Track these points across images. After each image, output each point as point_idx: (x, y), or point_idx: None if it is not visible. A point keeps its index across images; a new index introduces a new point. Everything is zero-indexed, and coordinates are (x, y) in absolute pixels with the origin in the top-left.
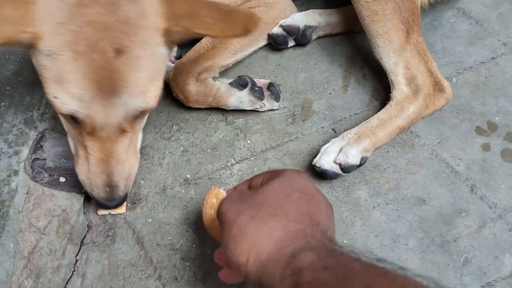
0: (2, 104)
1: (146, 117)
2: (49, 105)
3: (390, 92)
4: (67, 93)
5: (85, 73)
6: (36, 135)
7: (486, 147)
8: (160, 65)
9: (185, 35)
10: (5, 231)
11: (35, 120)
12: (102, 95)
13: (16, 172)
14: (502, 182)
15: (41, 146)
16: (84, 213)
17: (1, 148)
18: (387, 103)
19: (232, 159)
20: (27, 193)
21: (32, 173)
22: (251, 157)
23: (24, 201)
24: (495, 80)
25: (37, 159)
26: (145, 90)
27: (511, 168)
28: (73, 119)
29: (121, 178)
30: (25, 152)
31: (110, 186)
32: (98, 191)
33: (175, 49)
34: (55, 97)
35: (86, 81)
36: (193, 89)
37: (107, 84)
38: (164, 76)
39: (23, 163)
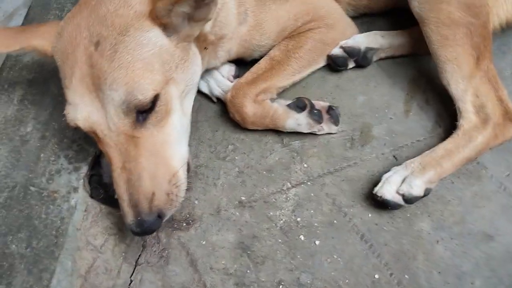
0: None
1: (166, 118)
2: None
3: (455, 120)
4: (67, 101)
5: (72, 73)
6: (95, 151)
7: None
8: (151, 52)
9: (176, 13)
10: (63, 249)
11: None
12: (89, 93)
13: (75, 189)
14: None
15: (99, 162)
16: None
17: (62, 164)
18: (451, 131)
19: (288, 183)
20: (85, 211)
21: (90, 189)
22: (307, 182)
23: (82, 218)
24: None
25: (94, 175)
26: (132, 81)
27: None
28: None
29: (141, 195)
30: (84, 168)
31: (133, 205)
32: (125, 213)
33: (234, 68)
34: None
35: (74, 82)
36: (250, 110)
37: (91, 80)
38: (169, 66)
39: (82, 180)
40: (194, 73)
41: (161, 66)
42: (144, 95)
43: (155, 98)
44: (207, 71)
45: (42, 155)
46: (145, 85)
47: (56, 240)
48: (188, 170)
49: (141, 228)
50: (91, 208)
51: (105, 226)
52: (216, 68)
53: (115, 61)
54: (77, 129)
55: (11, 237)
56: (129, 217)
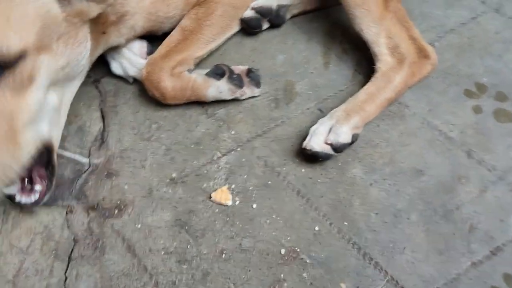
0: None
1: (27, 87)
2: None
3: (373, 65)
4: None
5: None
6: None
7: (477, 110)
8: (36, 10)
9: None
10: None
11: None
12: None
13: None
14: (499, 143)
15: None
16: (68, 226)
17: None
18: (371, 76)
19: (218, 152)
20: (3, 213)
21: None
22: (237, 148)
23: (1, 221)
24: (478, 40)
25: None
26: (1, 29)
27: (505, 128)
28: None
29: None
30: None
31: None
32: None
33: (145, 44)
34: None
35: None
36: (168, 85)
37: None
38: (49, 33)
39: None
40: (79, 54)
41: (40, 29)
42: (8, 48)
43: (20, 58)
44: (114, 50)
45: None
46: (14, 38)
47: None
48: (49, 163)
49: None
50: (10, 210)
51: (29, 227)
52: (122, 46)
53: None
54: None
55: None
56: None
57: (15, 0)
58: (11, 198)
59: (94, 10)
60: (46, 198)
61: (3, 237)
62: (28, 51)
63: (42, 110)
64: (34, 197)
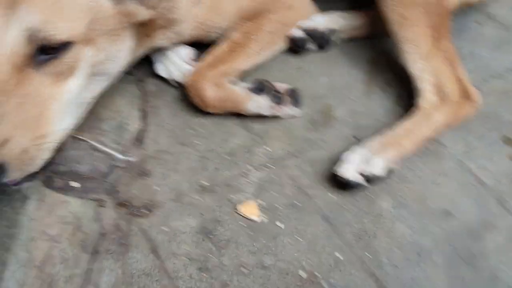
0: None
1: (66, 77)
2: None
3: (414, 99)
4: None
5: None
6: None
7: None
8: (88, 2)
9: None
10: (17, 239)
11: None
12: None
13: (28, 178)
14: None
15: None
16: (98, 220)
17: None
18: (411, 111)
19: (250, 166)
20: (39, 200)
21: (44, 177)
22: (269, 164)
23: (37, 208)
24: None
25: (50, 162)
26: (53, 14)
27: None
28: None
29: None
30: None
31: None
32: None
33: (193, 52)
34: None
35: None
36: (211, 94)
37: None
38: (97, 27)
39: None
40: (119, 51)
41: (90, 22)
42: (56, 33)
43: (66, 46)
44: (160, 52)
45: None
46: (64, 26)
47: (10, 231)
48: None
49: None
50: (45, 198)
51: (62, 215)
52: (166, 48)
53: None
54: None
55: None
56: None
57: None
58: None
59: (143, 14)
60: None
61: (37, 223)
62: (75, 41)
63: (74, 102)
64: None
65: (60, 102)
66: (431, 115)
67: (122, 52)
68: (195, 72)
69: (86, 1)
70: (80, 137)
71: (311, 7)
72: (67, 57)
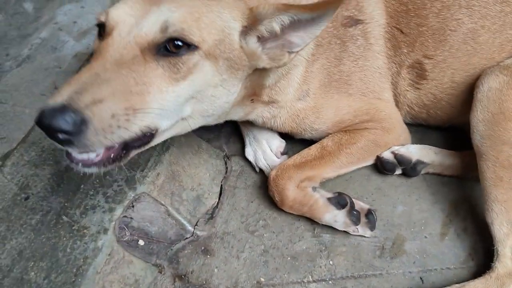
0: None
1: (180, 77)
2: (151, 168)
3: (490, 257)
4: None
5: None
6: (133, 197)
7: None
8: (224, 22)
9: (267, 23)
10: None
11: (136, 180)
12: (144, 3)
13: (105, 230)
14: None
15: (133, 206)
16: (155, 287)
17: (98, 201)
18: (483, 268)
19: (310, 276)
20: (109, 254)
21: (118, 228)
22: (329, 280)
23: (105, 262)
24: None
25: (125, 216)
26: (192, 17)
27: None
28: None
29: (88, 90)
30: (118, 211)
31: (70, 89)
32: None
33: (283, 145)
34: None
35: None
36: (291, 195)
37: None
38: (222, 48)
39: (114, 222)
40: (227, 86)
41: (219, 41)
42: (189, 32)
43: (190, 49)
44: (254, 136)
45: (82, 186)
46: (197, 31)
47: (74, 279)
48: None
49: (41, 114)
50: (114, 253)
51: (123, 275)
52: (258, 129)
53: None
54: (98, 25)
55: (32, 263)
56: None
57: (213, 9)
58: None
59: (263, 60)
60: (94, 168)
61: (100, 277)
62: (200, 48)
63: (173, 106)
64: (88, 156)
65: (162, 95)
66: (505, 283)
67: (229, 90)
68: (281, 167)
69: (221, 22)
70: (160, 201)
71: (407, 134)
72: (187, 59)
